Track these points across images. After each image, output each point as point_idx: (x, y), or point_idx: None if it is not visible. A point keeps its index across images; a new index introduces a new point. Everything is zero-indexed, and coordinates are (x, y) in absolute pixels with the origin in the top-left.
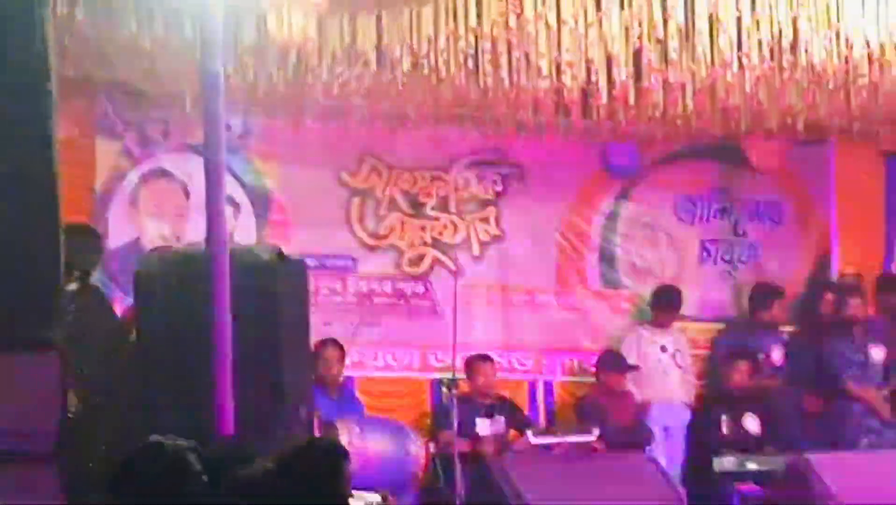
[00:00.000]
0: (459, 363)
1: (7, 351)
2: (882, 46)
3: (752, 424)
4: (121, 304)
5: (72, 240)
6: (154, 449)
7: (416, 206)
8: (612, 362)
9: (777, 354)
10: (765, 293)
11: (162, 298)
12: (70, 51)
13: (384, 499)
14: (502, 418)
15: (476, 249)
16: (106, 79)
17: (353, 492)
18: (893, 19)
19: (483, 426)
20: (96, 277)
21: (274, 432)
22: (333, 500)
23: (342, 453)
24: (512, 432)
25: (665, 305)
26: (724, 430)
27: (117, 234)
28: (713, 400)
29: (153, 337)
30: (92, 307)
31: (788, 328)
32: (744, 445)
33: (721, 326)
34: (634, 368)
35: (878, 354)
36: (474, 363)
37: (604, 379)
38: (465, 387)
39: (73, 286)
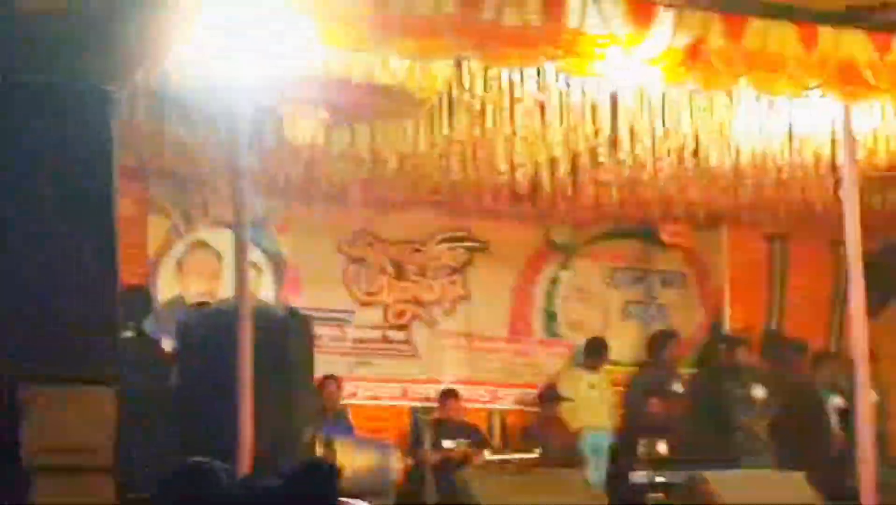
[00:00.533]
0: (433, 395)
1: (76, 384)
2: (763, 153)
3: (662, 447)
4: (166, 346)
5: (128, 298)
6: (193, 468)
7: (400, 272)
8: (550, 396)
9: (678, 389)
10: (663, 336)
11: (199, 343)
12: (131, 144)
13: None
14: (465, 440)
15: (447, 306)
16: (158, 168)
17: (345, 499)
18: (772, 132)
19: (449, 444)
20: (148, 327)
21: (285, 448)
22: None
23: (336, 471)
24: (473, 450)
25: (594, 352)
26: (640, 451)
27: (165, 292)
28: (633, 428)
29: (191, 374)
30: (144, 351)
31: (690, 370)
32: (656, 464)
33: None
34: (568, 399)
35: (758, 392)
36: (445, 396)
37: (543, 410)
38: (436, 414)
39: (128, 333)
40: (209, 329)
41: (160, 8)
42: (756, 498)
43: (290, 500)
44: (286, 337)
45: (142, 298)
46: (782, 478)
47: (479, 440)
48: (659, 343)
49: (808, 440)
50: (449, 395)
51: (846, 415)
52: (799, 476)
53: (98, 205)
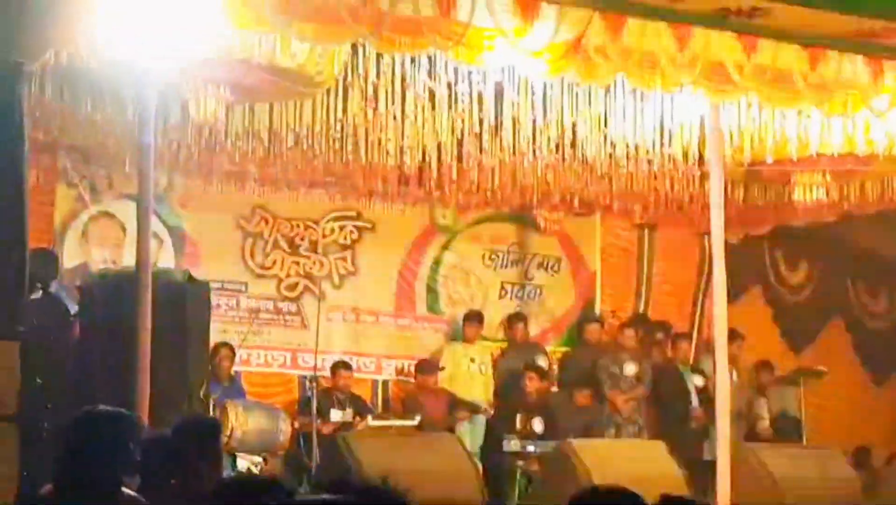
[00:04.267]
0: (321, 365)
1: None
2: (637, 147)
3: (538, 425)
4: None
5: (36, 260)
6: (92, 413)
7: (293, 247)
8: (426, 367)
9: (543, 363)
10: (511, 318)
11: (99, 306)
12: (40, 120)
13: (265, 460)
14: (350, 410)
15: (336, 281)
16: (67, 142)
17: (241, 454)
18: (645, 128)
19: (336, 414)
20: (54, 289)
21: (179, 408)
22: (212, 455)
23: (218, 427)
24: (357, 418)
25: (471, 322)
26: (518, 425)
27: (70, 258)
28: (510, 401)
29: (91, 335)
30: (50, 310)
31: (563, 348)
32: (530, 438)
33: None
34: (441, 368)
35: (630, 369)
36: (337, 368)
37: (421, 380)
38: (325, 383)
39: (36, 295)
40: (110, 291)
41: None
42: (620, 464)
43: (177, 449)
44: (184, 300)
45: (49, 260)
46: (644, 446)
47: (363, 409)
48: (507, 324)
49: (670, 415)
50: (341, 366)
51: (705, 393)
52: (660, 445)
53: (8, 175)
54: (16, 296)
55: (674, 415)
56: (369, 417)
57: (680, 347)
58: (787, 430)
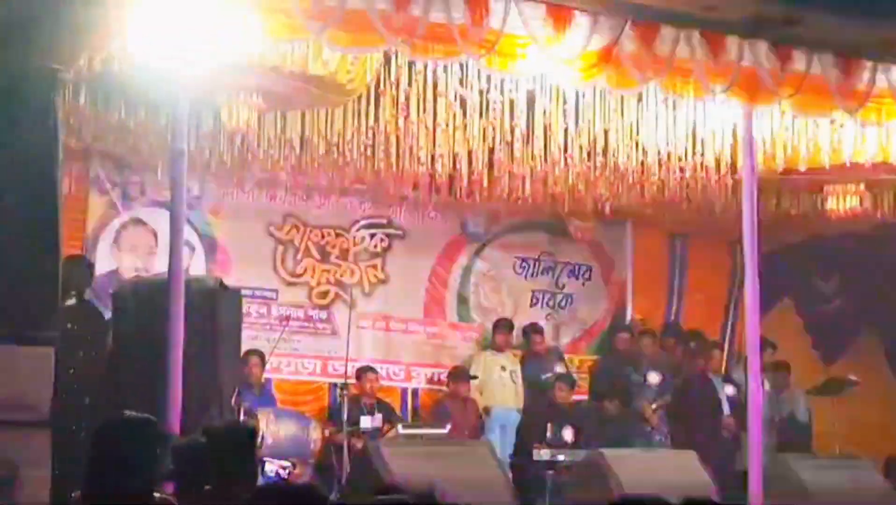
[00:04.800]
0: (351, 372)
1: (18, 343)
2: (669, 155)
3: (568, 434)
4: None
5: (70, 267)
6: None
7: (324, 255)
8: (459, 375)
9: (561, 370)
10: (528, 329)
11: (132, 313)
12: (74, 127)
13: (293, 465)
14: (380, 416)
15: (367, 289)
16: (100, 150)
17: (271, 460)
18: (677, 135)
19: (365, 421)
20: (88, 295)
21: (211, 415)
22: (249, 461)
23: (254, 433)
24: (386, 425)
25: (501, 330)
26: (548, 434)
27: (102, 266)
28: (542, 410)
29: (123, 342)
30: (84, 317)
31: (594, 356)
32: (560, 447)
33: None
34: (473, 377)
35: (654, 378)
36: (364, 372)
37: (454, 387)
38: (354, 390)
39: (70, 301)
40: (142, 298)
41: None
42: (650, 474)
43: (213, 456)
44: (215, 307)
45: (83, 267)
46: (675, 456)
47: (391, 414)
48: (525, 335)
49: (700, 425)
50: (367, 370)
51: (737, 402)
52: (691, 455)
53: (43, 182)
54: (50, 302)
55: (705, 424)
56: (399, 426)
57: (711, 357)
58: (791, 434)
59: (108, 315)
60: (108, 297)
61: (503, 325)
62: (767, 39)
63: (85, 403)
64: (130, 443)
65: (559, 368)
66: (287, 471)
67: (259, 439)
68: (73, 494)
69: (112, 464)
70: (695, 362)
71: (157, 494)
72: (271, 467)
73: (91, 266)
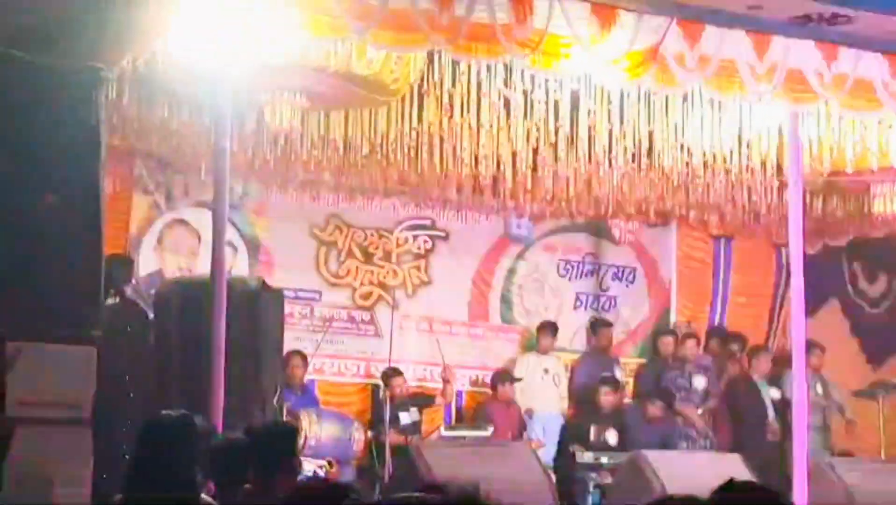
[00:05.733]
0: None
1: (61, 342)
2: (713, 156)
3: (612, 437)
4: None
5: (112, 266)
6: (169, 418)
7: (367, 256)
8: (503, 378)
9: (619, 375)
10: (596, 323)
11: (175, 313)
12: (117, 126)
13: (329, 463)
14: (415, 409)
15: (410, 290)
16: (143, 149)
17: (309, 459)
18: (722, 137)
19: (404, 417)
20: (130, 294)
21: (253, 415)
22: (289, 459)
23: (296, 432)
24: (422, 414)
25: (545, 333)
26: (592, 437)
27: (146, 265)
28: (586, 413)
29: (166, 342)
30: (127, 316)
31: (638, 359)
32: (604, 449)
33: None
34: (517, 379)
35: (699, 382)
36: (387, 377)
37: (501, 390)
38: (389, 392)
39: (112, 300)
40: (185, 298)
41: None
42: (694, 476)
43: (253, 454)
44: (258, 308)
45: (125, 266)
46: (720, 459)
47: (426, 401)
48: (592, 330)
49: (746, 428)
50: (391, 375)
51: (782, 406)
52: (735, 457)
53: (86, 181)
54: (92, 301)
55: (750, 428)
56: (442, 428)
57: (756, 360)
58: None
59: (150, 314)
60: (150, 296)
61: (547, 327)
62: (814, 38)
63: (127, 402)
64: (172, 443)
65: (618, 373)
66: (324, 469)
67: (301, 441)
68: (116, 498)
69: (154, 465)
70: (739, 365)
71: (203, 496)
72: (309, 467)
73: (132, 264)
